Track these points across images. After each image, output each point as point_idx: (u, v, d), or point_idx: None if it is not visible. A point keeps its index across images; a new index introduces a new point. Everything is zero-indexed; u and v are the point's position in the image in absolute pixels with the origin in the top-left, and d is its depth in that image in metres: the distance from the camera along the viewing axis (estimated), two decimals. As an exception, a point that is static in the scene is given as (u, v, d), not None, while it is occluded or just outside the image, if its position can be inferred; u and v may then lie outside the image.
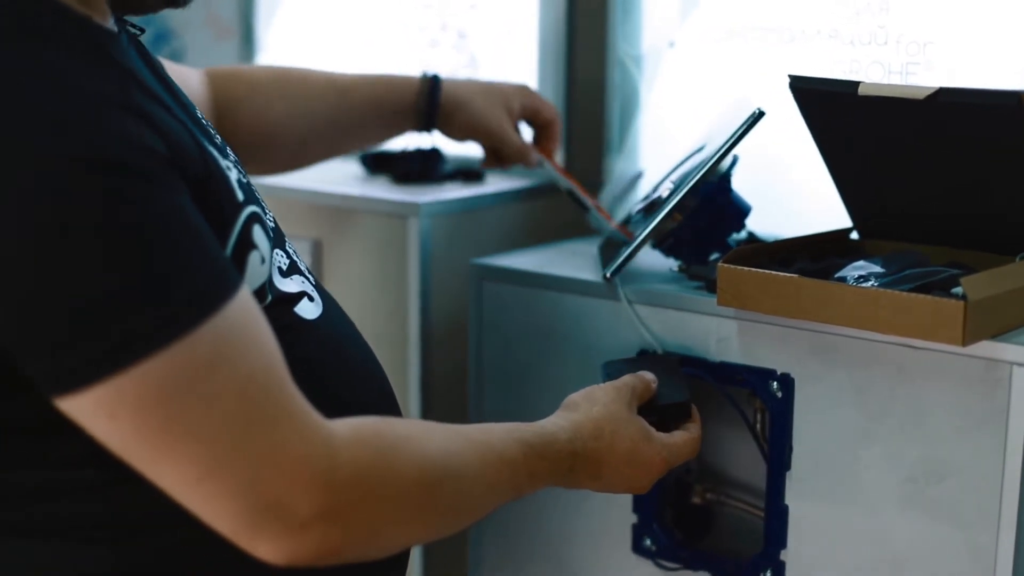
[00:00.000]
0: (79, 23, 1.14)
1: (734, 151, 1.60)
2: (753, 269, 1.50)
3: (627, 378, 1.47)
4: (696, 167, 1.63)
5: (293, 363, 1.14)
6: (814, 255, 1.62)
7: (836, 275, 1.50)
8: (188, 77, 1.73)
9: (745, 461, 1.68)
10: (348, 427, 1.15)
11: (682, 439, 1.47)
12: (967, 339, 1.36)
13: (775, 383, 1.54)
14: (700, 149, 1.73)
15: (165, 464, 1.06)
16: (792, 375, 1.53)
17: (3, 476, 1.15)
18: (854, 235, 1.70)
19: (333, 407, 1.16)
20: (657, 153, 2.03)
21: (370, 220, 2.09)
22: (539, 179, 2.29)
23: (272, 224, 1.34)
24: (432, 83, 1.91)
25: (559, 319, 1.74)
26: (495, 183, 2.26)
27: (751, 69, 1.90)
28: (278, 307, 1.27)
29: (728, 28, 1.92)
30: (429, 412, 2.04)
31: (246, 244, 1.22)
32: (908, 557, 1.48)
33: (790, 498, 1.55)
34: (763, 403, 1.58)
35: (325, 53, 2.59)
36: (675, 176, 1.74)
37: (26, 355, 1.04)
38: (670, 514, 1.71)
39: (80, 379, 1.02)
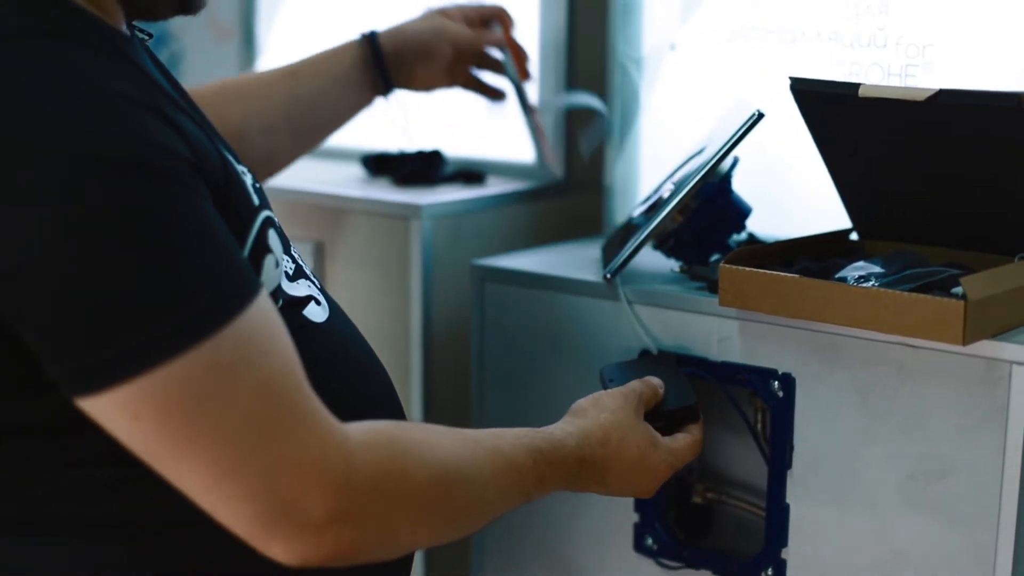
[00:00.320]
0: (97, 25, 1.15)
1: (734, 152, 1.61)
2: (755, 269, 1.51)
3: (634, 384, 1.48)
4: (697, 168, 1.64)
5: (303, 365, 1.14)
6: (814, 256, 1.63)
7: (837, 275, 1.51)
8: None
9: (746, 461, 1.69)
10: (362, 431, 1.16)
11: (686, 443, 1.48)
12: (967, 338, 1.37)
13: (776, 383, 1.55)
14: (701, 151, 1.74)
15: (184, 465, 1.07)
16: (793, 375, 1.53)
17: (20, 474, 1.15)
18: (854, 236, 1.71)
19: (340, 409, 1.17)
20: (658, 155, 2.03)
21: (372, 222, 2.10)
22: (540, 181, 2.30)
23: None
24: (370, 41, 1.85)
25: (561, 320, 1.75)
26: (496, 185, 2.27)
27: (752, 71, 1.91)
28: (288, 310, 1.27)
29: (729, 30, 1.93)
30: (431, 412, 2.05)
31: (262, 248, 1.23)
32: (909, 555, 1.48)
33: (791, 497, 1.56)
34: (764, 403, 1.59)
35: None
36: (676, 177, 1.75)
37: (49, 355, 1.05)
38: (672, 513, 1.72)
39: (104, 380, 1.03)
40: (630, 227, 1.78)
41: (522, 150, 2.34)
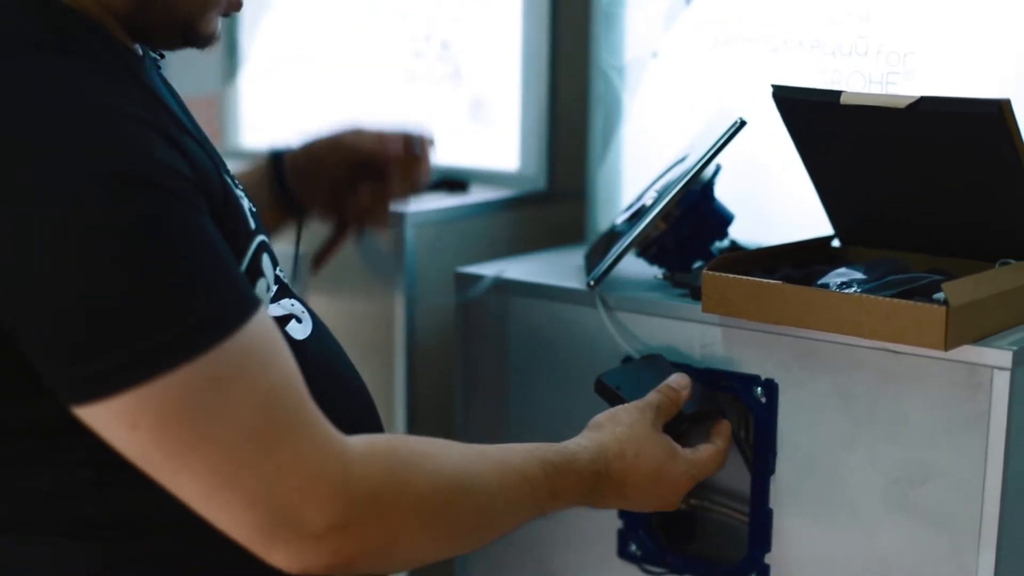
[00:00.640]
0: (108, 42, 1.17)
1: (716, 160, 1.62)
2: (738, 276, 1.51)
3: (651, 396, 1.47)
4: (679, 176, 1.64)
5: None
6: (797, 262, 1.63)
7: (819, 282, 1.51)
8: None
9: (730, 466, 1.69)
10: (363, 443, 1.17)
11: (708, 454, 1.47)
12: (949, 344, 1.37)
13: (759, 389, 1.55)
14: (683, 159, 1.74)
15: (183, 474, 1.08)
16: (776, 381, 1.54)
17: (5, 475, 1.16)
18: (836, 242, 1.71)
19: None
20: (640, 163, 2.04)
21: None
22: (523, 189, 2.30)
23: None
24: (274, 158, 1.71)
25: (545, 327, 1.75)
26: (480, 193, 2.28)
27: (734, 79, 1.92)
28: None
29: (711, 38, 1.94)
30: (415, 419, 2.05)
31: (256, 271, 1.25)
32: (891, 559, 1.49)
33: (775, 503, 1.57)
34: (747, 409, 1.59)
35: (309, 64, 2.60)
36: (659, 185, 1.76)
37: (47, 363, 1.06)
38: (655, 519, 1.72)
39: (102, 389, 1.04)
40: (613, 234, 1.79)
41: (505, 158, 2.35)
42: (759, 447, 1.57)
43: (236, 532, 1.11)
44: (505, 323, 1.80)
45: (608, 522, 1.71)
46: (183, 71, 2.78)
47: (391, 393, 2.04)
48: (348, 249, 2.10)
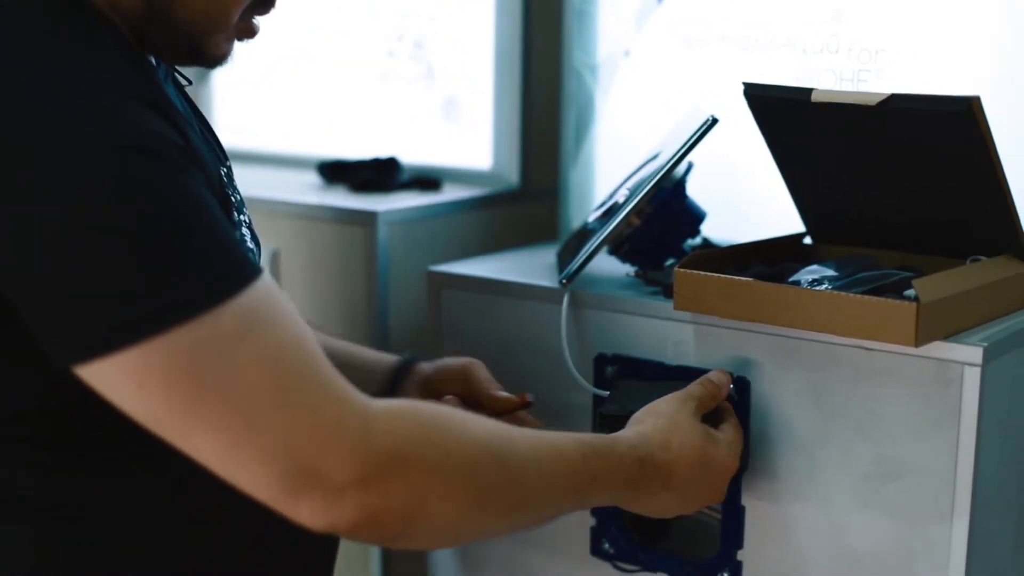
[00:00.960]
0: (124, 42, 1.18)
1: (688, 157, 1.62)
2: (710, 273, 1.52)
3: (692, 388, 1.46)
4: (651, 174, 1.65)
5: None
6: (768, 260, 1.63)
7: (790, 279, 1.51)
8: None
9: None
10: (385, 403, 1.16)
11: (733, 431, 1.47)
12: (919, 340, 1.38)
13: (731, 386, 1.55)
14: (655, 156, 1.74)
15: (197, 433, 1.07)
16: (748, 378, 1.54)
17: None
18: (808, 240, 1.72)
19: None
20: (613, 161, 2.04)
21: (328, 229, 2.10)
22: (496, 188, 2.31)
23: None
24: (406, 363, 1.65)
25: (517, 325, 1.75)
26: (452, 192, 2.28)
27: (706, 77, 1.92)
28: None
29: (683, 37, 1.94)
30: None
31: None
32: (864, 555, 1.49)
33: (747, 499, 1.57)
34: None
35: (282, 63, 2.60)
36: (631, 183, 1.76)
37: (49, 323, 1.06)
38: (628, 517, 1.72)
39: (108, 344, 1.04)
40: (585, 232, 1.79)
41: (478, 157, 2.35)
42: (731, 444, 1.57)
43: (259, 491, 1.10)
44: (477, 321, 1.80)
45: (581, 520, 1.71)
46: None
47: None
48: (321, 246, 2.10)
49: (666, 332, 1.61)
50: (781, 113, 1.58)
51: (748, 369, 1.54)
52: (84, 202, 1.03)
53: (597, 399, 1.64)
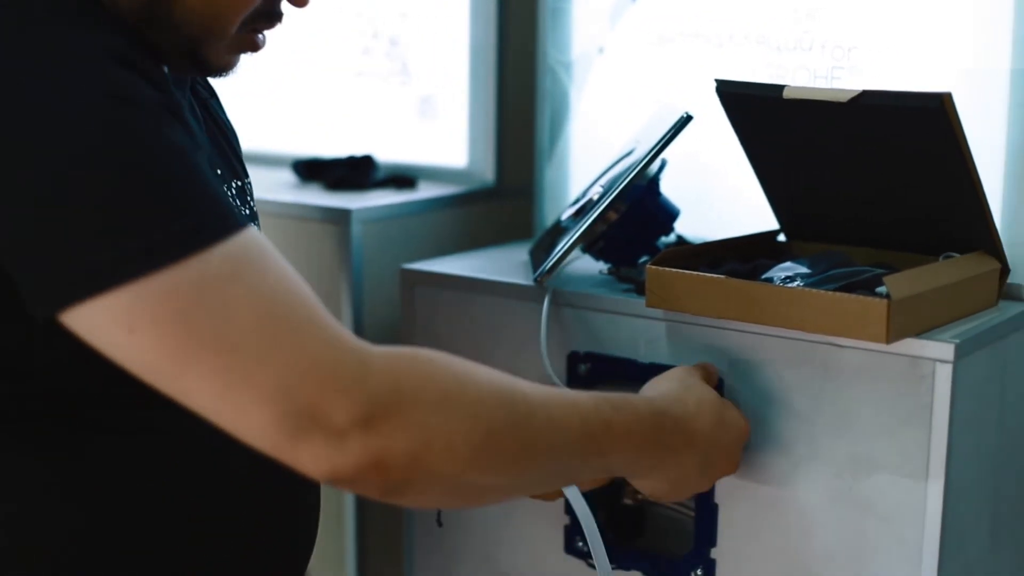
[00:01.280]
0: (133, 39, 1.18)
1: (662, 155, 1.62)
2: (681, 271, 1.52)
3: (690, 367, 1.48)
4: (625, 171, 1.64)
5: None
6: (742, 257, 1.63)
7: (763, 276, 1.52)
8: None
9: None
10: (383, 346, 1.13)
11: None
12: (891, 337, 1.38)
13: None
14: (629, 153, 1.74)
15: (189, 378, 1.05)
16: (720, 375, 1.54)
17: None
18: (781, 237, 1.72)
19: None
20: (588, 159, 2.04)
21: (302, 226, 2.10)
22: (471, 186, 2.30)
23: None
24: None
25: (491, 323, 1.75)
26: (427, 190, 2.27)
27: (680, 75, 1.92)
28: None
29: (657, 34, 1.94)
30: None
31: None
32: (836, 552, 1.49)
33: (720, 497, 1.57)
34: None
35: (256, 61, 2.59)
36: (604, 180, 1.75)
37: (33, 270, 1.05)
38: (602, 515, 1.72)
39: (94, 285, 1.03)
40: (558, 229, 1.79)
41: (453, 155, 2.34)
42: (704, 442, 1.57)
43: (258, 437, 1.06)
44: (452, 319, 1.79)
45: (555, 517, 1.71)
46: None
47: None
48: (295, 245, 2.10)
49: (638, 330, 1.61)
50: (754, 110, 1.58)
51: (720, 366, 1.54)
52: (67, 144, 1.03)
53: None
